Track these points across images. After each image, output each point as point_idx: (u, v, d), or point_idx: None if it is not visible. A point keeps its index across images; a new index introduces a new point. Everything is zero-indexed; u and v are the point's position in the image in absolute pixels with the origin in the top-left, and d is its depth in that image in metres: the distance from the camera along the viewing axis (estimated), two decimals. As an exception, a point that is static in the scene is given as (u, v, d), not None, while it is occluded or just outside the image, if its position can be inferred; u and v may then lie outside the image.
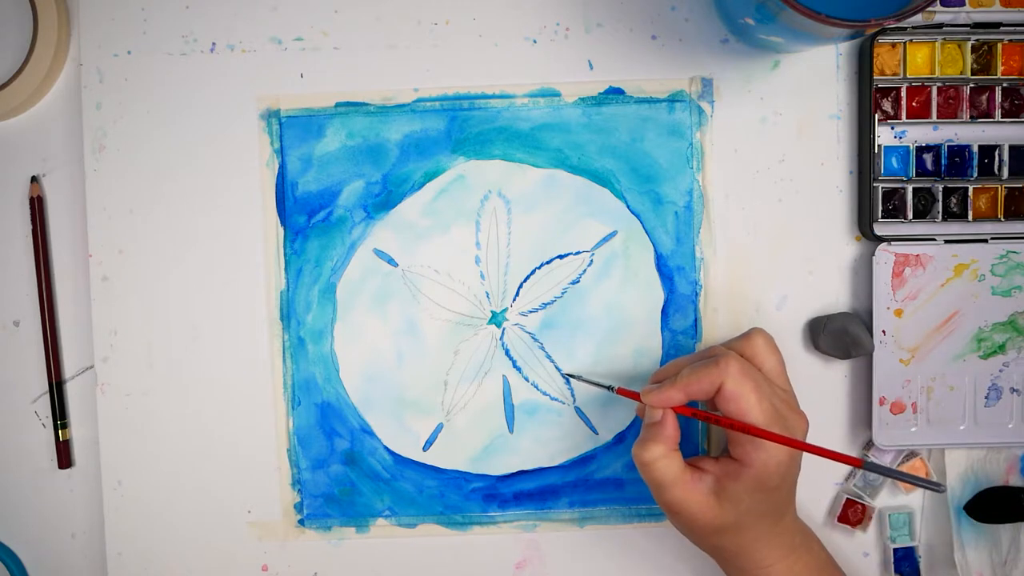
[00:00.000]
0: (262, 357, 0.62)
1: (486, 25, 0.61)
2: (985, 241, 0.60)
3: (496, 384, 0.62)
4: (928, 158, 0.61)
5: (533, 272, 0.62)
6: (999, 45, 0.60)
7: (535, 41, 0.61)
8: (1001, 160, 0.60)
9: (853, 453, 0.62)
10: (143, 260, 0.62)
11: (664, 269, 0.62)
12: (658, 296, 0.62)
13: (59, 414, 0.63)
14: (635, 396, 0.56)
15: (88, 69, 0.61)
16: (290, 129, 0.62)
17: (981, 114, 0.61)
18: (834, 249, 0.62)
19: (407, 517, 0.63)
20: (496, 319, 0.62)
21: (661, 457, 0.53)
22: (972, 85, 0.60)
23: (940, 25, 0.60)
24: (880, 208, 0.60)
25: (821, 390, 0.62)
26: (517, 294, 0.62)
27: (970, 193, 0.60)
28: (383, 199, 0.62)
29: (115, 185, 0.62)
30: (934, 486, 0.49)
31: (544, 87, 0.61)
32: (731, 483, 0.53)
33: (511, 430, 0.62)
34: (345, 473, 0.63)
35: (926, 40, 0.60)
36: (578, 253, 0.62)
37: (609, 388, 0.58)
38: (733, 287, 0.62)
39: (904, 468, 0.62)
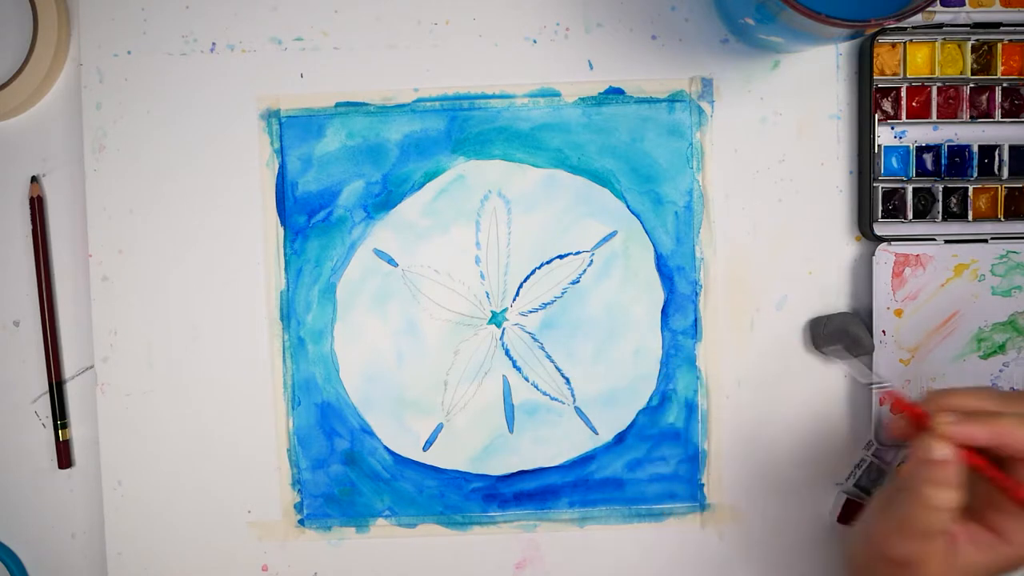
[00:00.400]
0: (262, 357, 0.62)
1: (486, 25, 0.61)
2: (985, 241, 0.60)
3: (496, 384, 0.62)
4: (928, 158, 0.61)
5: (533, 272, 0.62)
6: (999, 45, 0.60)
7: (535, 41, 0.61)
8: (1001, 160, 0.60)
9: (854, 453, 0.62)
10: (143, 260, 0.62)
11: (664, 269, 0.62)
12: (658, 296, 0.62)
13: (59, 414, 0.63)
14: (917, 410, 0.49)
15: (88, 69, 0.61)
16: (290, 129, 0.62)
17: (981, 114, 0.61)
18: (834, 249, 0.62)
19: (407, 517, 0.63)
20: (496, 319, 0.62)
21: (954, 499, 0.46)
22: (972, 85, 0.60)
23: (940, 25, 0.60)
24: (880, 208, 0.60)
25: (821, 390, 0.62)
26: (517, 294, 0.62)
27: (970, 193, 0.60)
28: (383, 199, 0.62)
29: (115, 185, 0.62)
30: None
31: (544, 87, 0.62)
32: (974, 553, 0.47)
33: (511, 430, 0.62)
34: (345, 473, 0.63)
35: (926, 40, 0.60)
36: (578, 253, 0.62)
37: (879, 385, 0.54)
38: (733, 287, 0.62)
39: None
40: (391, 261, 0.62)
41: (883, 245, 0.60)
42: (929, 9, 0.60)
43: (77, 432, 0.64)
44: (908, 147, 0.61)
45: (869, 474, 0.62)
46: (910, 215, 0.61)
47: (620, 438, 0.62)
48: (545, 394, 0.62)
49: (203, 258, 0.62)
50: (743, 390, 0.62)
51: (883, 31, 0.59)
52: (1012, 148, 0.60)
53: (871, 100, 0.60)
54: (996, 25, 0.60)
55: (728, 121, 0.61)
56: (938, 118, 0.61)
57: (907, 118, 0.60)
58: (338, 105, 0.62)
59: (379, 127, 0.62)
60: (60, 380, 0.63)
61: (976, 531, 0.47)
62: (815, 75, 0.61)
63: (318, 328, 0.62)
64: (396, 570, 0.63)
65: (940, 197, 0.60)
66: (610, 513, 0.63)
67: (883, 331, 0.60)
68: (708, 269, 0.62)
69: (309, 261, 0.62)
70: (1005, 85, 0.60)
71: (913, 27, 0.60)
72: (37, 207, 0.62)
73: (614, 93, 0.61)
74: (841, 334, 0.60)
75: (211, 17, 0.61)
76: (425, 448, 0.63)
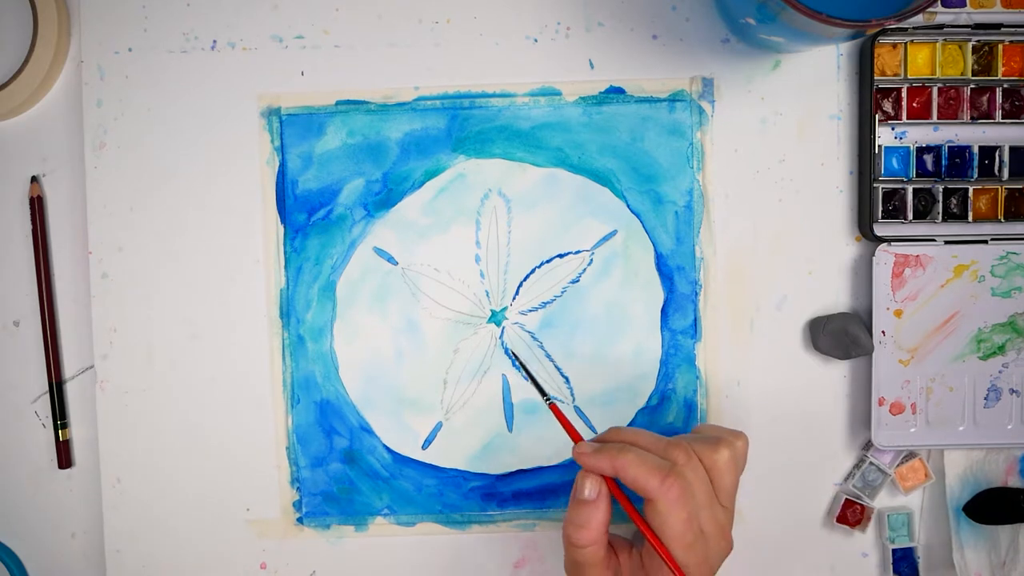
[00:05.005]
0: (262, 355, 0.62)
1: (487, 24, 0.61)
2: (985, 242, 0.60)
3: (495, 383, 0.62)
4: (928, 159, 0.61)
5: (533, 271, 0.62)
6: (1000, 46, 0.60)
7: (536, 40, 0.61)
8: (1001, 161, 0.60)
9: (853, 453, 0.62)
10: (143, 257, 0.62)
11: (664, 269, 0.62)
12: (658, 296, 0.62)
13: (59, 414, 0.63)
14: (571, 432, 0.54)
15: (89, 66, 0.61)
16: (290, 127, 0.62)
17: (982, 115, 0.61)
18: (834, 249, 0.62)
19: (406, 516, 0.63)
20: (496, 318, 0.62)
21: (596, 542, 0.50)
22: (973, 86, 0.60)
23: (941, 26, 0.60)
24: (880, 209, 0.60)
25: (821, 390, 0.62)
26: (517, 293, 0.62)
27: (970, 194, 0.60)
28: (383, 197, 0.62)
29: (115, 182, 0.62)
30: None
31: (545, 86, 0.61)
32: None
33: (510, 429, 0.62)
34: (344, 471, 0.63)
35: (927, 41, 0.60)
36: (578, 252, 0.62)
37: (545, 398, 0.56)
38: (733, 287, 0.62)
39: (903, 469, 0.62)
40: (391, 259, 0.62)
41: (883, 246, 0.60)
42: (930, 10, 0.60)
43: (77, 432, 0.64)
44: (908, 148, 0.61)
45: (868, 475, 0.62)
46: (910, 216, 0.60)
47: (619, 437, 0.62)
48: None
49: (203, 256, 0.62)
50: (743, 390, 0.62)
51: (884, 31, 0.59)
52: (1012, 149, 0.60)
53: (872, 100, 0.60)
54: (997, 26, 0.60)
55: (728, 121, 0.61)
56: (939, 119, 0.60)
57: (908, 119, 0.60)
58: (339, 103, 0.62)
59: (380, 125, 0.62)
60: (60, 380, 0.63)
61: (637, 571, 0.52)
62: (816, 75, 0.61)
63: (318, 326, 0.62)
64: (395, 569, 0.63)
65: (940, 198, 0.60)
66: (609, 512, 0.63)
67: (883, 331, 0.60)
68: (708, 269, 0.62)
69: (309, 259, 0.62)
70: (1006, 86, 0.60)
71: (914, 28, 0.59)
72: (37, 207, 0.62)
73: (615, 92, 0.61)
74: (841, 334, 0.60)
75: (212, 15, 0.61)
76: (424, 447, 0.63)
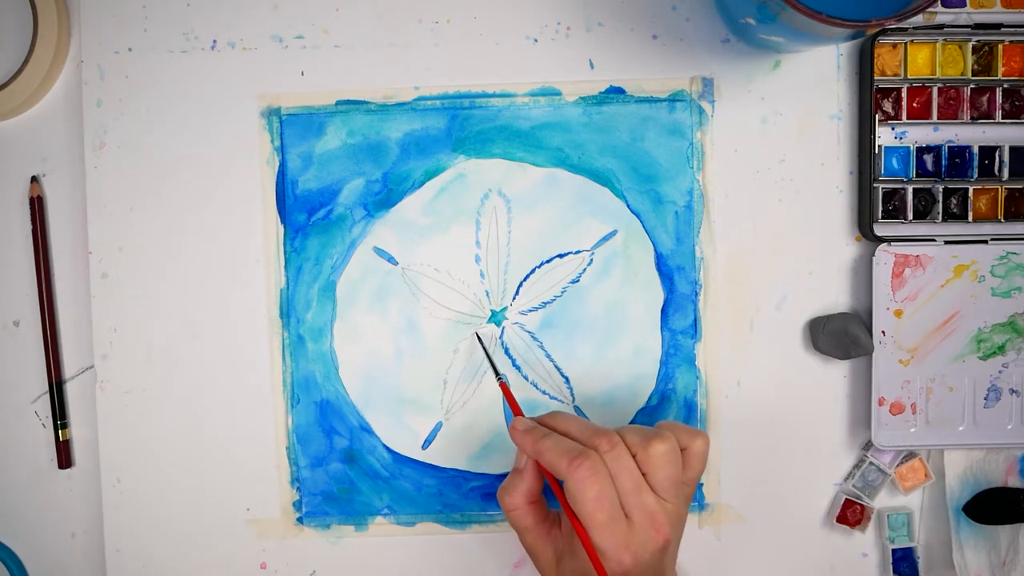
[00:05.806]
0: (262, 355, 0.62)
1: (487, 24, 0.61)
2: (985, 242, 0.60)
3: (495, 383, 0.62)
4: (928, 159, 0.61)
5: (533, 271, 0.62)
6: (1000, 46, 0.60)
7: (536, 40, 0.61)
8: (1001, 161, 0.60)
9: (853, 453, 0.62)
10: (143, 257, 0.62)
11: (664, 268, 0.62)
12: (658, 296, 0.62)
13: (59, 414, 0.63)
14: (515, 408, 0.57)
15: (89, 66, 0.61)
16: (291, 127, 0.62)
17: (982, 115, 0.61)
18: (834, 249, 0.62)
19: (406, 516, 0.63)
20: (496, 318, 0.62)
21: (519, 507, 0.54)
22: (973, 86, 0.60)
23: (941, 26, 0.60)
24: (880, 209, 0.60)
25: (821, 390, 0.62)
26: (517, 293, 0.62)
27: (970, 194, 0.60)
28: (383, 197, 0.62)
29: (115, 182, 0.62)
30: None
31: (545, 86, 0.61)
32: (569, 561, 0.54)
33: (510, 429, 0.63)
34: (344, 471, 0.63)
35: (927, 41, 0.60)
36: (578, 252, 0.62)
37: (497, 376, 0.59)
38: (733, 287, 0.62)
39: (903, 469, 0.62)
40: (391, 259, 0.62)
41: (883, 246, 0.60)
42: (930, 10, 0.60)
43: (77, 432, 0.64)
44: (908, 148, 0.61)
45: (868, 475, 0.62)
46: (910, 216, 0.60)
47: (619, 437, 0.62)
48: (544, 393, 0.62)
49: (203, 255, 0.62)
50: (743, 390, 0.62)
51: (884, 31, 0.59)
52: (1012, 149, 0.60)
53: (872, 100, 0.60)
54: (997, 26, 0.60)
55: (728, 121, 0.61)
56: (939, 119, 0.60)
57: (908, 119, 0.60)
58: (339, 103, 0.62)
59: (380, 125, 0.62)
60: (60, 380, 0.63)
61: (574, 544, 0.54)
62: (816, 75, 0.61)
63: (318, 326, 0.62)
64: (394, 569, 0.63)
65: (940, 198, 0.60)
66: (609, 512, 0.63)
67: (883, 331, 0.60)
68: (708, 269, 0.62)
69: (309, 259, 0.62)
70: (1006, 86, 0.60)
71: (914, 28, 0.59)
72: (37, 207, 0.62)
73: (615, 92, 0.61)
74: (841, 334, 0.60)
75: (212, 14, 0.61)
76: (424, 447, 0.63)
